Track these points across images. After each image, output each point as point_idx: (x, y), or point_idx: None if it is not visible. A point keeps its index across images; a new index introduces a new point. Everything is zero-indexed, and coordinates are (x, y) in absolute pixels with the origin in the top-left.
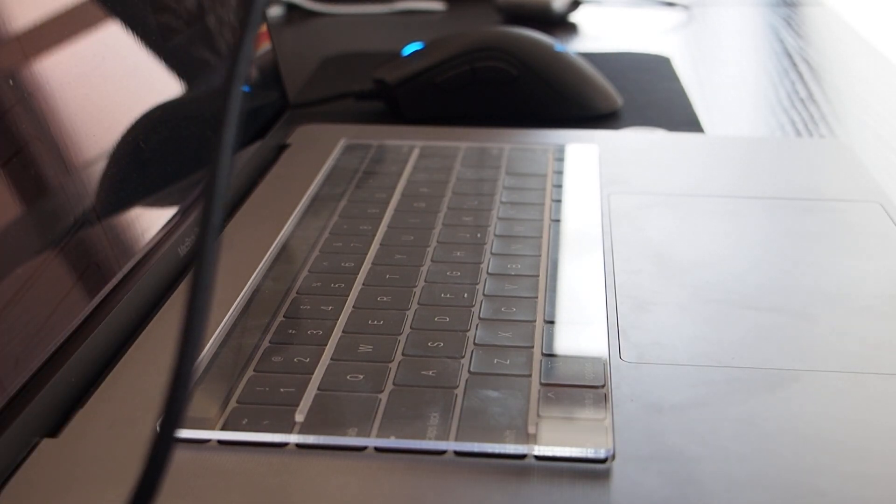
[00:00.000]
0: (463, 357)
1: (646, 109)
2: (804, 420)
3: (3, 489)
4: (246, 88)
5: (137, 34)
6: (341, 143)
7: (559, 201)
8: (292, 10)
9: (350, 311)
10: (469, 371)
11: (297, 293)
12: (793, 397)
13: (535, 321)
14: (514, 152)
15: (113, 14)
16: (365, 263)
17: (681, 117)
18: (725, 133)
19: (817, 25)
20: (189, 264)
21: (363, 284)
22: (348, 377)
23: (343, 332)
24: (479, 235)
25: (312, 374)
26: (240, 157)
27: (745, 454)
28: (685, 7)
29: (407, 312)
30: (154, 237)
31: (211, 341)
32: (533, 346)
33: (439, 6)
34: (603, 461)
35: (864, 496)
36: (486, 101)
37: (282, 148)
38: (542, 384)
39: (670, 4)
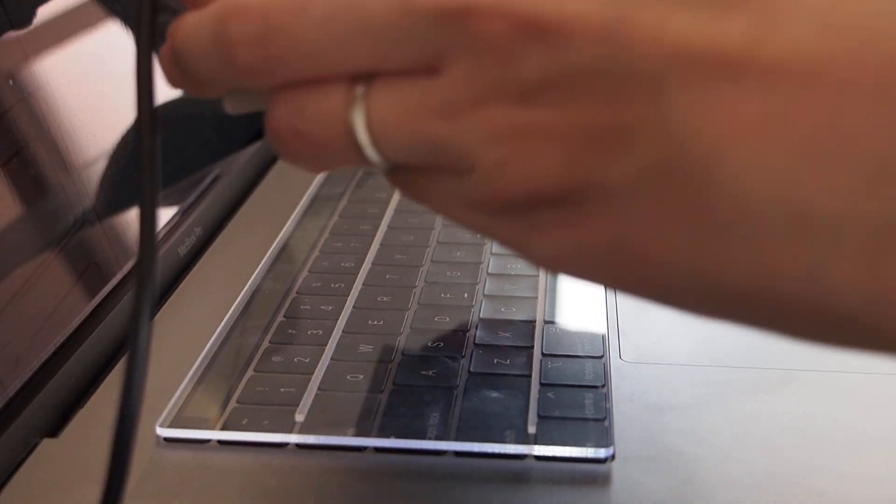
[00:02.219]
0: (463, 357)
1: None
2: (804, 420)
3: (3, 489)
4: None
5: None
6: None
7: None
8: None
9: (350, 311)
10: (469, 371)
11: (297, 293)
12: (793, 397)
13: (535, 321)
14: None
15: (113, 14)
16: (365, 263)
17: None
18: None
19: None
20: (189, 264)
21: (363, 284)
22: (348, 377)
23: (343, 332)
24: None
25: (312, 374)
26: (240, 157)
27: (745, 454)
28: None
29: (407, 312)
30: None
31: (211, 341)
32: (533, 347)
33: None
34: (603, 461)
35: (863, 496)
36: None
37: None
38: (542, 384)
39: None
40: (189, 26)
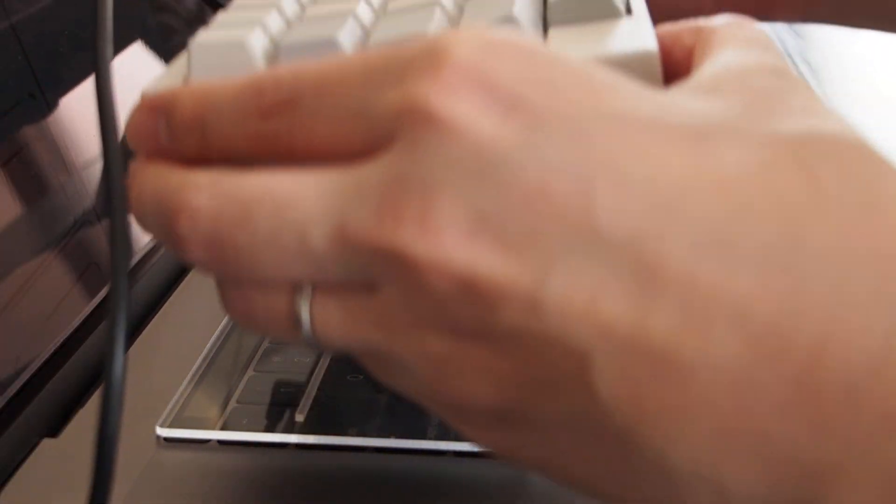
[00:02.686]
0: None
1: None
2: None
3: (3, 488)
4: None
5: (138, 33)
6: None
7: None
8: None
9: None
10: None
11: None
12: None
13: None
14: None
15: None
16: None
17: None
18: None
19: (817, 25)
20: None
21: None
22: (348, 377)
23: None
24: None
25: (312, 374)
26: None
27: None
28: None
29: None
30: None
31: (211, 341)
32: None
33: None
34: None
35: None
36: None
37: None
38: None
39: None
40: (143, 203)
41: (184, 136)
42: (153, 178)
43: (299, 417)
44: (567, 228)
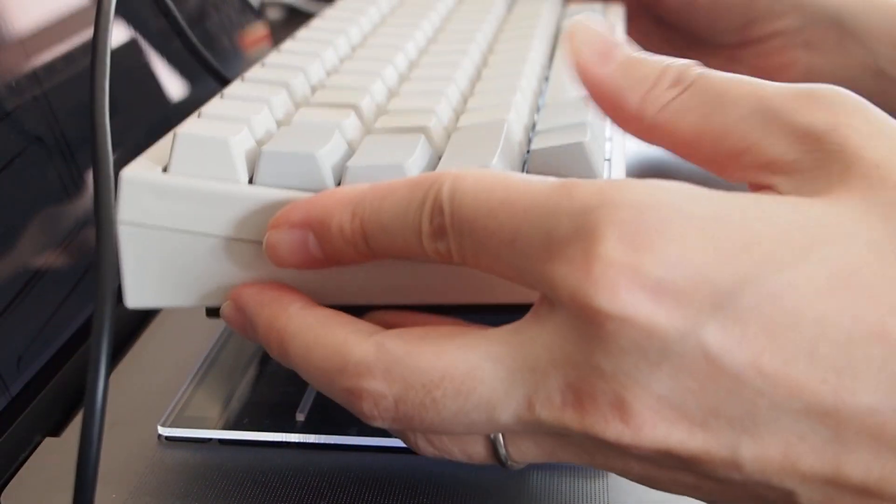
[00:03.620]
0: None
1: None
2: None
3: (5, 487)
4: None
5: (139, 34)
6: None
7: None
8: (292, 13)
9: None
10: None
11: None
12: None
13: None
14: None
15: (116, 14)
16: None
17: None
18: None
19: None
20: None
21: None
22: None
23: None
24: None
25: None
26: None
27: None
28: None
29: None
30: None
31: (213, 341)
32: None
33: None
34: None
35: None
36: None
37: None
38: None
39: None
40: (297, 361)
41: (344, 247)
42: (305, 334)
43: (300, 417)
44: (742, 404)
